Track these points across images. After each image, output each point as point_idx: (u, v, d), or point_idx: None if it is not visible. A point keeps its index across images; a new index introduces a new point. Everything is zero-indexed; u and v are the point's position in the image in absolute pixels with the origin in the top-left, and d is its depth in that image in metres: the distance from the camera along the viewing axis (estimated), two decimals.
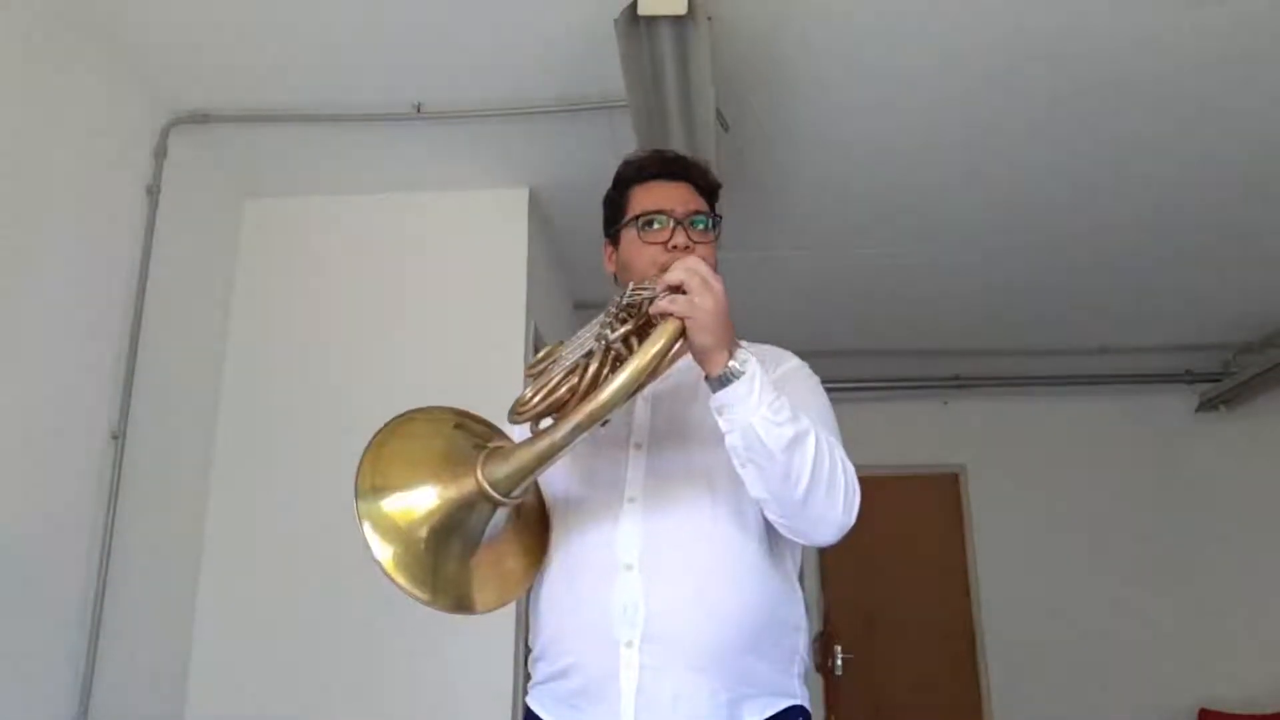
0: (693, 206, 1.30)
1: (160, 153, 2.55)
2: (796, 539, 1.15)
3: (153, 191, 2.52)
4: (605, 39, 2.15)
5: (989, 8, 2.22)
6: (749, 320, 1.22)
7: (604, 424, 1.08)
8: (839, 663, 4.56)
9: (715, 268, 1.18)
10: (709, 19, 2.06)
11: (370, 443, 1.11)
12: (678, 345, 1.07)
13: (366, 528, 1.06)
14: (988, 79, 2.50)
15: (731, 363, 1.07)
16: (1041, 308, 4.24)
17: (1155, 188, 3.10)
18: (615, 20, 2.06)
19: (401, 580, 1.05)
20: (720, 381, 1.07)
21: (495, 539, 1.16)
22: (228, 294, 2.99)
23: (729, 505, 1.18)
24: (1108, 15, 2.24)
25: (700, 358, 1.08)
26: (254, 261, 3.04)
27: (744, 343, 1.13)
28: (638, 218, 1.29)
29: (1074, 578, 5.00)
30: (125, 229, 2.43)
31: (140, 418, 2.42)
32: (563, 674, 1.19)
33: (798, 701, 1.20)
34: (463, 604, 1.12)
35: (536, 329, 3.09)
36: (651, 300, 1.09)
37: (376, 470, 1.09)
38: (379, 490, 1.09)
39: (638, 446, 1.25)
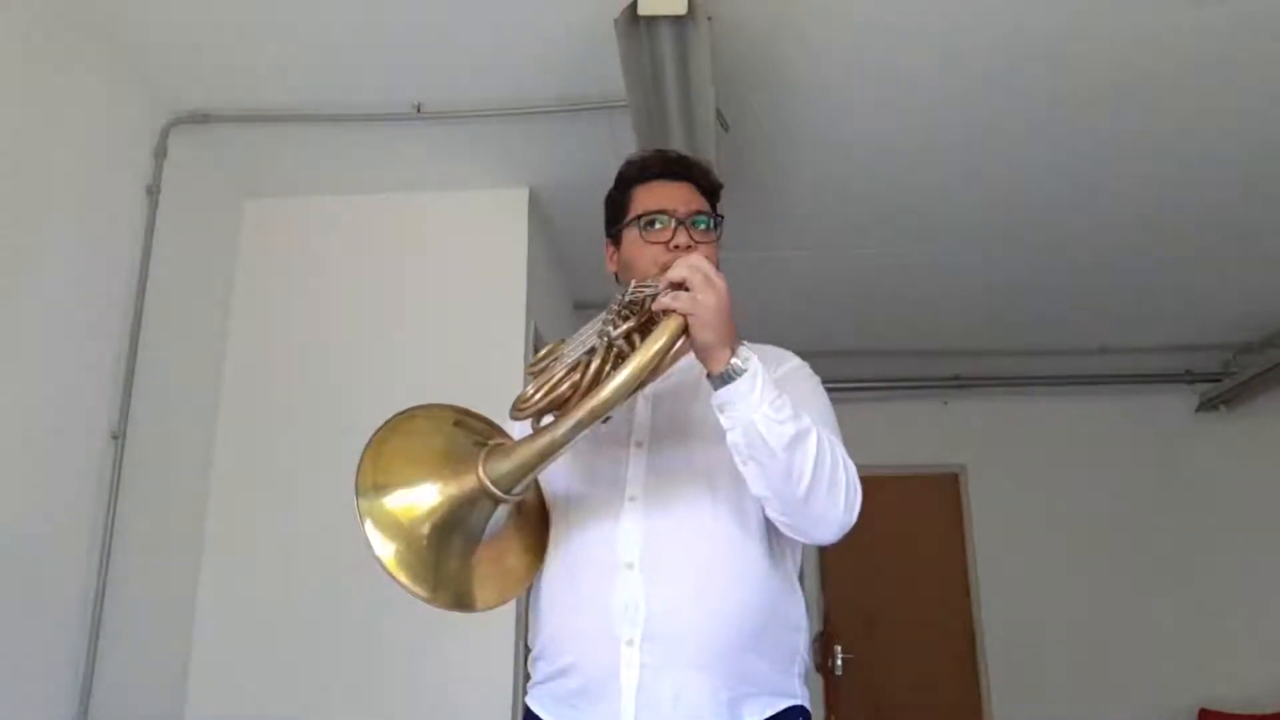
0: (694, 206, 1.30)
1: (160, 153, 2.55)
2: (798, 537, 1.15)
3: (153, 191, 2.52)
4: (605, 39, 2.15)
5: (989, 8, 2.22)
6: (749, 321, 1.22)
7: (605, 421, 1.08)
8: (839, 663, 4.57)
9: (717, 267, 1.18)
10: (709, 19, 2.06)
11: (371, 440, 1.11)
12: (680, 342, 1.07)
13: (368, 525, 1.06)
14: (988, 79, 2.50)
15: (734, 360, 1.07)
16: (1041, 308, 4.24)
17: (1155, 188, 3.10)
18: (615, 20, 2.06)
19: (402, 577, 1.05)
20: (722, 379, 1.07)
21: (496, 536, 1.16)
22: (228, 294, 2.99)
23: (730, 504, 1.18)
24: (1108, 15, 2.24)
25: (702, 355, 1.09)
26: (254, 261, 3.04)
27: (745, 343, 1.13)
28: (639, 217, 1.29)
29: (1074, 578, 5.00)
30: (125, 229, 2.43)
31: (140, 418, 2.42)
32: (562, 673, 1.19)
33: (798, 701, 1.20)
34: (463, 601, 1.12)
35: (536, 329, 3.09)
36: (654, 297, 1.09)
37: (377, 467, 1.09)
38: (380, 487, 1.08)
39: (639, 445, 1.25)
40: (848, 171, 3.03)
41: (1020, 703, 4.85)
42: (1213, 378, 4.98)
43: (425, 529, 1.09)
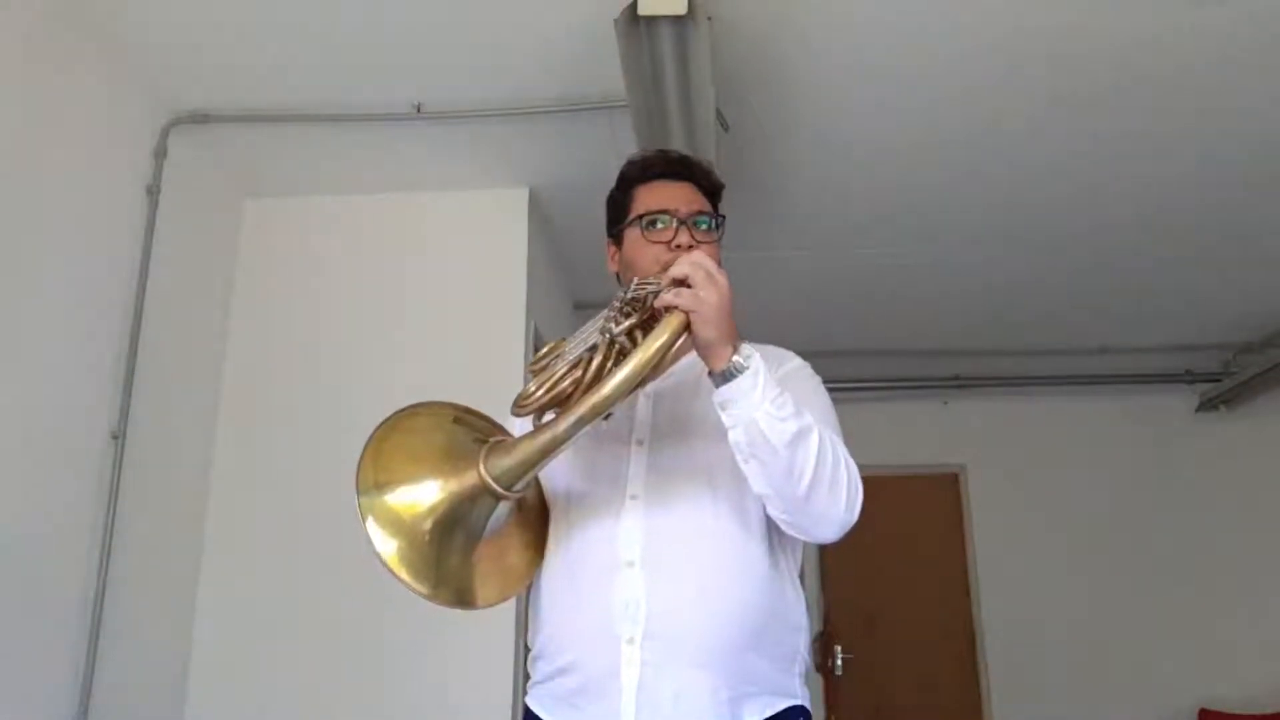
0: (696, 206, 1.30)
1: (160, 153, 2.55)
2: (799, 536, 1.15)
3: (153, 191, 2.52)
4: (605, 39, 2.15)
5: (989, 8, 2.22)
6: (749, 321, 1.22)
7: (607, 418, 1.08)
8: (839, 663, 4.57)
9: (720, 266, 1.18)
10: (709, 19, 2.06)
11: (371, 437, 1.11)
12: (682, 339, 1.07)
13: (369, 521, 1.06)
14: (988, 79, 2.50)
15: (735, 358, 1.07)
16: (1041, 308, 4.24)
17: (1155, 188, 3.10)
18: (615, 20, 2.06)
19: (403, 574, 1.05)
20: (724, 376, 1.07)
21: (497, 534, 1.15)
22: (228, 294, 2.99)
23: (731, 502, 1.18)
24: (1108, 15, 2.24)
25: (704, 352, 1.09)
26: (254, 261, 3.04)
27: (746, 342, 1.13)
28: (641, 217, 1.29)
29: (1074, 578, 5.00)
30: (125, 229, 2.43)
31: (140, 418, 2.42)
32: (562, 671, 1.18)
33: (798, 701, 1.20)
34: (464, 598, 1.12)
35: (536, 329, 3.09)
36: (656, 294, 1.09)
37: (378, 465, 1.09)
38: (381, 485, 1.08)
39: (639, 443, 1.25)
40: (848, 171, 3.03)
41: (1020, 703, 4.85)
42: (1213, 378, 4.98)
43: (426, 526, 1.09)
